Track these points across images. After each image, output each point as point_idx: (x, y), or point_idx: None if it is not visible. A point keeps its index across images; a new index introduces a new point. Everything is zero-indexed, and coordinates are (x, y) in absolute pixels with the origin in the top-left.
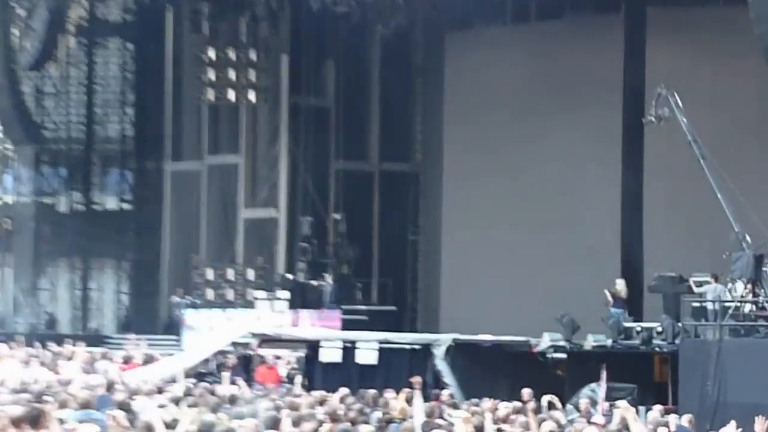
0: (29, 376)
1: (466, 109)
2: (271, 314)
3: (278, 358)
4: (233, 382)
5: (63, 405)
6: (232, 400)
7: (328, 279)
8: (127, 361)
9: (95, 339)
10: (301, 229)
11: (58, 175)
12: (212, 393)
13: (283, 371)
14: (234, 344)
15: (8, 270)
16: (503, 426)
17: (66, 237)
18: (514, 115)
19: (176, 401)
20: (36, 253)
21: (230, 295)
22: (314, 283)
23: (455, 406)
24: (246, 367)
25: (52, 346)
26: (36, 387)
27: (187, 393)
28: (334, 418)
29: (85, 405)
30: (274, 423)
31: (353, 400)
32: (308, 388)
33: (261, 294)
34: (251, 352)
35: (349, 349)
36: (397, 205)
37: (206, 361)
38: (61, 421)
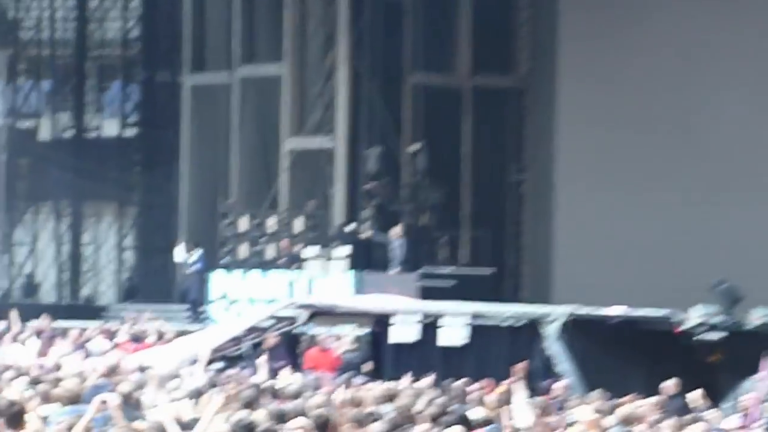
0: (1, 360)
1: None
2: (325, 277)
3: (335, 337)
4: (274, 369)
5: (47, 399)
6: (273, 392)
7: (401, 232)
8: (131, 340)
9: (89, 311)
10: (365, 164)
11: (39, 91)
12: (245, 383)
13: (340, 355)
14: (275, 318)
15: None
16: (638, 429)
17: (50, 173)
18: (663, 10)
19: (197, 394)
20: (9, 194)
21: (270, 252)
22: (383, 236)
23: (573, 403)
24: (291, 348)
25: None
26: (8, 375)
27: (212, 383)
28: (407, 417)
29: (74, 399)
30: (329, 423)
31: (434, 394)
32: (374, 377)
33: (311, 251)
34: (298, 330)
35: (429, 326)
36: (495, 134)
37: (237, 340)
38: (45, 420)
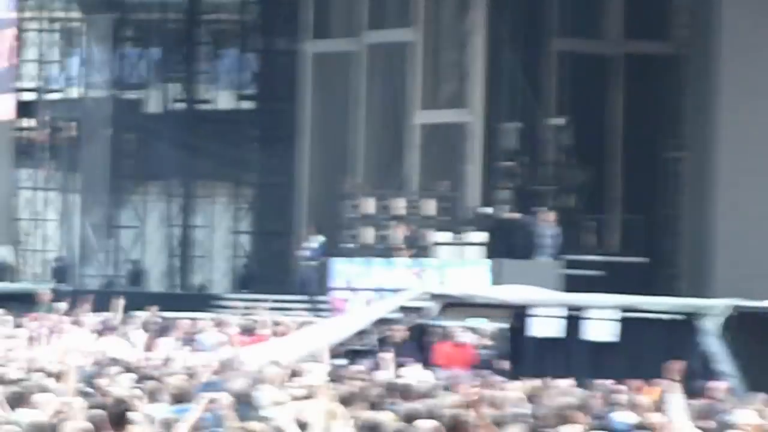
0: (103, 353)
1: None
2: (458, 266)
3: (469, 331)
4: (402, 365)
5: (153, 397)
6: (402, 391)
7: (545, 215)
8: (246, 332)
9: (200, 300)
10: (504, 140)
11: (147, 59)
12: (371, 381)
13: (476, 350)
14: (403, 310)
15: (73, 198)
16: None
17: (158, 150)
18: None
19: (317, 392)
20: (114, 172)
21: (398, 236)
22: (531, 220)
23: (737, 406)
24: (421, 343)
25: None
26: (114, 370)
27: (335, 380)
28: (553, 418)
29: (182, 396)
30: (463, 425)
31: (579, 394)
32: (513, 375)
33: (443, 236)
34: (429, 322)
35: (575, 319)
36: (649, 106)
37: (362, 333)
38: (151, 421)
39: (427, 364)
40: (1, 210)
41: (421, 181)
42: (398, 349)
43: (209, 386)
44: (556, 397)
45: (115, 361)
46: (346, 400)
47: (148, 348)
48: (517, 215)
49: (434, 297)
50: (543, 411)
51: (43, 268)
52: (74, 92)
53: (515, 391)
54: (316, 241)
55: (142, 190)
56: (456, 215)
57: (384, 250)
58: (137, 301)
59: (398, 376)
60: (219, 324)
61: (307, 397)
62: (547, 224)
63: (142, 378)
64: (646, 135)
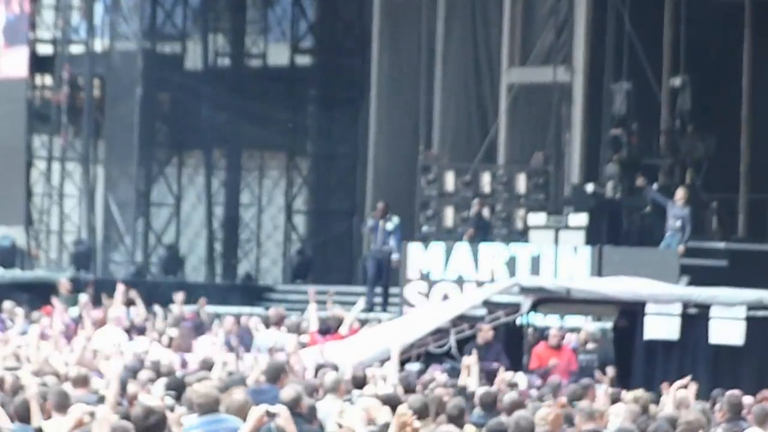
0: (135, 352)
1: None
2: (556, 253)
3: (568, 331)
4: (488, 371)
5: (192, 406)
6: (486, 402)
7: (686, 197)
8: (303, 331)
9: (249, 293)
10: (611, 104)
11: (184, 5)
12: (450, 389)
13: (575, 354)
14: (490, 305)
15: (97, 170)
16: None
17: (198, 113)
18: None
19: (389, 402)
20: (145, 140)
21: (483, 217)
22: (662, 198)
23: None
24: (511, 345)
25: (175, 304)
26: (145, 375)
27: (407, 387)
28: None
29: (209, 407)
30: None
31: (701, 407)
32: (620, 383)
33: (538, 218)
34: (521, 320)
35: (694, 319)
36: None
37: (441, 333)
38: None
39: (517, 369)
40: (10, 184)
41: (511, 152)
42: (482, 352)
43: (260, 394)
44: (671, 411)
45: (144, 364)
46: (421, 412)
47: (186, 349)
48: (644, 183)
49: (525, 290)
50: (656, 427)
51: (60, 254)
52: (98, 45)
53: (622, 403)
54: (388, 222)
55: (178, 161)
56: (552, 193)
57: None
58: (173, 292)
59: (484, 384)
60: (270, 321)
61: (374, 409)
62: (680, 204)
63: (178, 384)
64: None
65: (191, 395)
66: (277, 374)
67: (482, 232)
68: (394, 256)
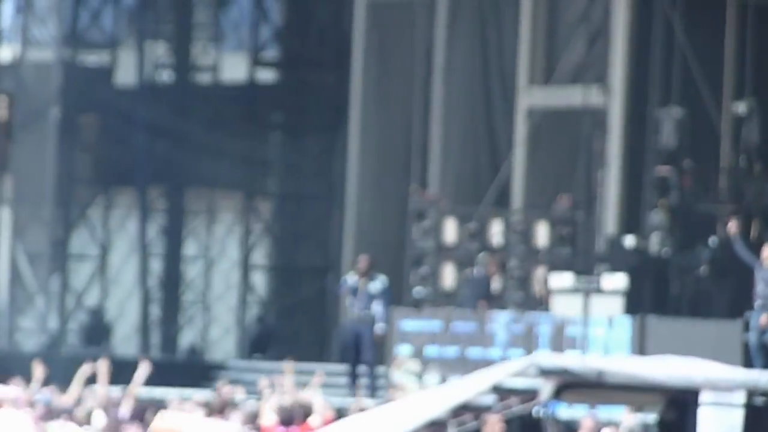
0: None
1: None
2: (585, 323)
3: (602, 425)
4: None
5: None
6: None
7: (748, 253)
8: (280, 418)
9: (195, 371)
10: (657, 134)
11: (116, 6)
12: None
13: None
14: (501, 391)
15: (1, 213)
16: None
17: (132, 142)
18: None
19: None
20: (64, 175)
21: (495, 283)
22: (750, 255)
23: None
24: None
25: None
26: None
27: None
28: None
29: None
30: None
31: None
32: None
33: (563, 279)
34: (538, 411)
35: (761, 411)
36: None
37: (439, 427)
38: None
39: None
40: None
41: (528, 195)
42: None
43: None
44: None
45: None
46: None
47: None
48: (735, 231)
49: (546, 373)
50: None
51: None
52: (6, 53)
53: None
54: (372, 281)
55: (106, 202)
56: (581, 247)
57: (471, 299)
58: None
59: None
60: (222, 406)
61: None
62: (764, 263)
63: None
64: None
65: None
66: None
67: (494, 300)
68: (380, 326)
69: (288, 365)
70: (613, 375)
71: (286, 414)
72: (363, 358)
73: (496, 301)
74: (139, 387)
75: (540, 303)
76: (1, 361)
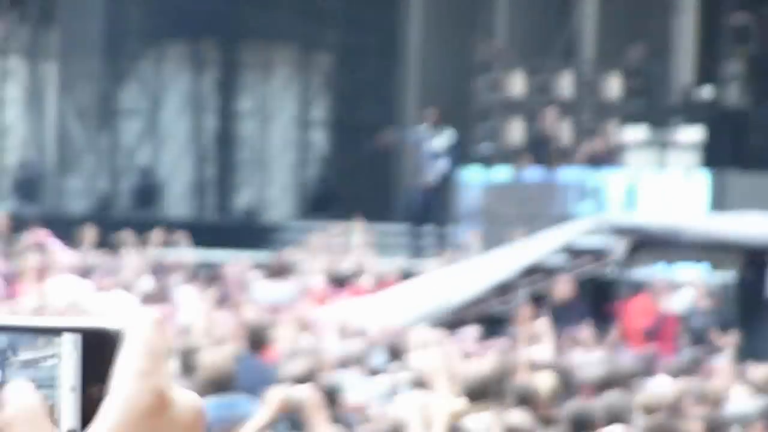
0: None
1: None
2: (659, 179)
3: (675, 284)
4: (566, 338)
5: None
6: (565, 379)
7: None
8: (335, 283)
9: (250, 232)
10: None
11: None
12: (517, 362)
13: (684, 314)
14: (569, 251)
15: (47, 67)
16: None
17: None
18: None
19: (432, 380)
20: (112, 27)
21: (564, 137)
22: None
23: None
24: (597, 302)
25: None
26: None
27: (461, 360)
28: None
29: (221, 382)
30: None
31: None
32: (745, 353)
33: (636, 132)
34: (610, 271)
35: None
36: None
37: (505, 289)
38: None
39: (606, 335)
40: None
41: (600, 45)
42: (560, 313)
43: (257, 370)
44: None
45: None
46: (477, 393)
47: (162, 301)
48: None
49: (619, 231)
50: None
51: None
52: None
53: (748, 378)
54: (439, 136)
55: (156, 55)
56: (655, 99)
57: (541, 154)
58: (147, 229)
59: (559, 354)
60: (278, 269)
61: (416, 387)
62: None
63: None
64: None
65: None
66: (260, 340)
67: (563, 155)
68: (445, 182)
69: (357, 224)
70: (689, 233)
71: (338, 276)
72: (428, 216)
73: (566, 156)
74: (190, 250)
75: (612, 158)
76: (50, 224)
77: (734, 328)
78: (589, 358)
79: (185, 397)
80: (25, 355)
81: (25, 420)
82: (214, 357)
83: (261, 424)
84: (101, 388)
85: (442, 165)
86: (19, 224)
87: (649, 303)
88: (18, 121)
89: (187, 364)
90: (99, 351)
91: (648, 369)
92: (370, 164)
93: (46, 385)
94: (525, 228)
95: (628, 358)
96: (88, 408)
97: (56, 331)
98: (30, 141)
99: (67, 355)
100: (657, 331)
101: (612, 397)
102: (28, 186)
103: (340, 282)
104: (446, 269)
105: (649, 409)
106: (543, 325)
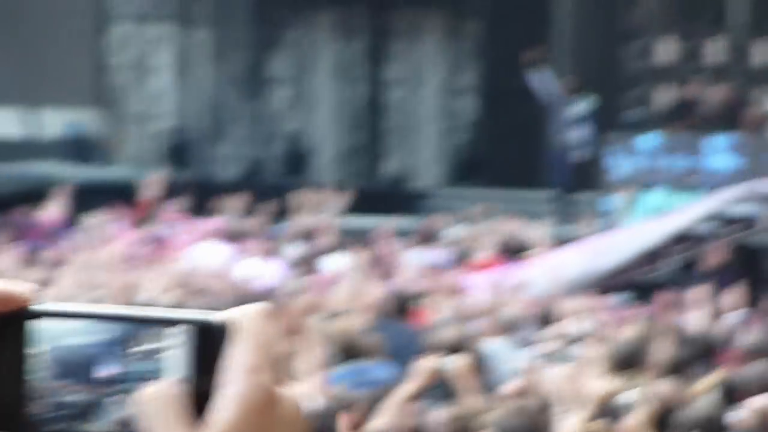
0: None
1: None
2: None
3: None
4: (720, 308)
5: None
6: (720, 347)
7: None
8: (468, 251)
9: (397, 198)
10: None
11: None
12: (671, 330)
13: None
14: (722, 219)
15: (198, 35)
16: None
17: None
18: None
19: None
20: None
21: (711, 104)
22: None
23: None
24: (751, 271)
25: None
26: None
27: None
28: None
29: (348, 349)
30: None
31: None
32: None
33: None
34: (762, 239)
35: None
36: None
37: (653, 257)
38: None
39: (757, 303)
40: (81, 52)
41: (749, 10)
42: (712, 280)
43: (404, 336)
44: None
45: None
46: (626, 361)
47: (310, 267)
48: None
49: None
50: None
51: (149, 145)
52: None
53: None
54: (579, 102)
55: (306, 23)
56: None
57: (689, 120)
58: (295, 196)
59: (714, 322)
60: (430, 236)
61: (567, 357)
62: None
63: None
64: None
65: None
66: (408, 306)
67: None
68: (589, 150)
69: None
70: None
71: (505, 247)
72: (576, 183)
73: (712, 124)
74: (338, 216)
75: (761, 126)
76: (200, 190)
77: None
78: (741, 326)
79: (289, 394)
80: (143, 346)
81: (162, 409)
82: (353, 322)
83: (410, 392)
84: (210, 381)
85: (585, 131)
86: (172, 190)
87: None
88: (170, 88)
89: (327, 331)
90: (210, 343)
91: None
92: (520, 130)
93: (159, 376)
94: (671, 195)
95: None
96: (198, 401)
97: (171, 323)
98: (182, 108)
99: (180, 347)
100: None
101: (763, 366)
102: (179, 152)
103: (506, 251)
104: (595, 236)
105: None
106: (696, 293)
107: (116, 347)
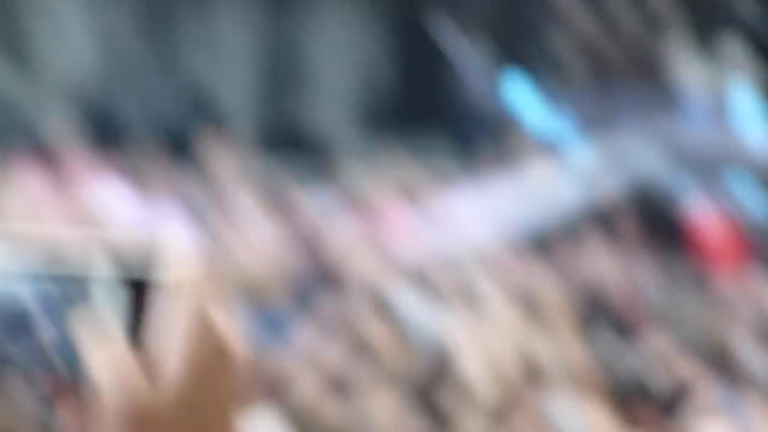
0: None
1: None
2: None
3: None
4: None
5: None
6: None
7: None
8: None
9: (303, 145)
10: None
11: None
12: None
13: None
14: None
15: None
16: None
17: None
18: None
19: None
20: None
21: None
22: None
23: None
24: (669, 230)
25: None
26: None
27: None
28: None
29: None
30: None
31: None
32: None
33: None
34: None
35: None
36: None
37: (566, 219)
38: None
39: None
40: None
41: None
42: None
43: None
44: None
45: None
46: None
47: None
48: None
49: None
50: None
51: (59, 96)
52: None
53: None
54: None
55: None
56: None
57: None
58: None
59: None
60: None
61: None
62: None
63: None
64: None
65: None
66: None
67: None
68: None
69: None
70: None
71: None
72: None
73: None
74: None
75: None
76: (106, 140)
77: None
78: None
79: (234, 341)
80: (78, 303)
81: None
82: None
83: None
84: (142, 338)
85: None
86: (75, 137)
87: (720, 222)
88: (77, 39)
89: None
90: (147, 301)
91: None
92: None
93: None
94: None
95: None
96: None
97: (107, 281)
98: (88, 58)
99: (116, 304)
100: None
101: None
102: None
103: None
104: (505, 191)
105: None
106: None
107: (50, 303)
